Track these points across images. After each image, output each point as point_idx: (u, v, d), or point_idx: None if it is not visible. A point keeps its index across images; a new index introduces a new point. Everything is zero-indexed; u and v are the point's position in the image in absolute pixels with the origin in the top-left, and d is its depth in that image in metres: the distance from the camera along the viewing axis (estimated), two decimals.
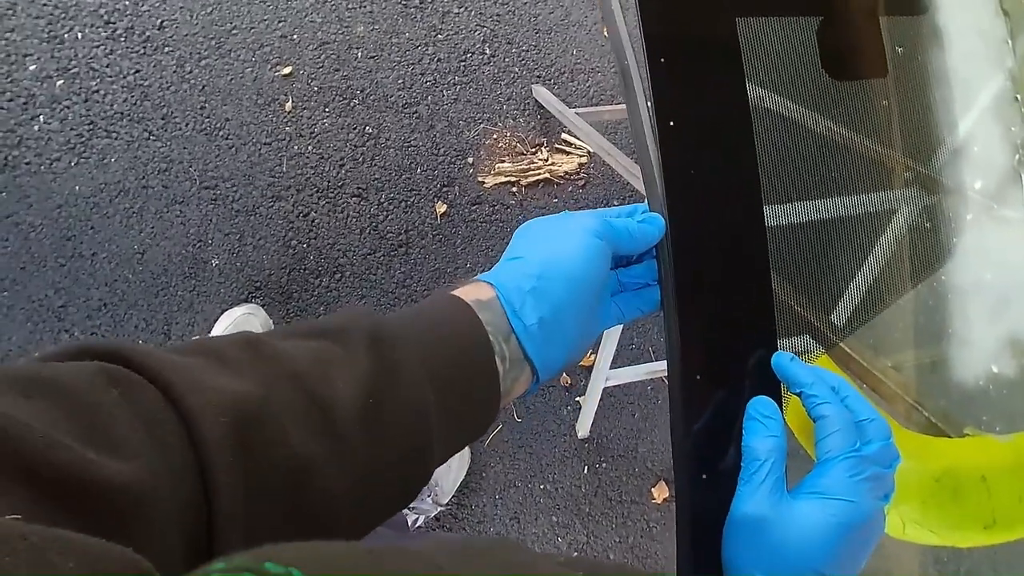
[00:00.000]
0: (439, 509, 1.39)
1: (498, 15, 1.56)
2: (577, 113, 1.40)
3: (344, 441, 0.36)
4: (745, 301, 0.52)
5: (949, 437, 0.65)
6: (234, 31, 1.43)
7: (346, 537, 0.36)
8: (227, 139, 1.41)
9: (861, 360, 0.70)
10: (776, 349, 0.52)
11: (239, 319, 1.36)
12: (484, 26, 1.55)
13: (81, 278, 1.34)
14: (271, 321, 1.39)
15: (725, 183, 0.53)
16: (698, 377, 0.50)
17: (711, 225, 0.52)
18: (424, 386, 0.40)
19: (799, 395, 0.49)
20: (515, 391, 0.47)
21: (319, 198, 1.44)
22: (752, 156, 0.54)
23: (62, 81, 1.35)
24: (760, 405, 0.49)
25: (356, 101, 1.47)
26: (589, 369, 1.54)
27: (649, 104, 0.52)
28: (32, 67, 1.34)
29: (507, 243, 0.51)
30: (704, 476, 0.48)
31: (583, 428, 1.52)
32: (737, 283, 0.52)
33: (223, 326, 1.37)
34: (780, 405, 0.50)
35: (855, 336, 0.64)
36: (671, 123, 0.51)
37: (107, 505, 0.26)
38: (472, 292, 0.46)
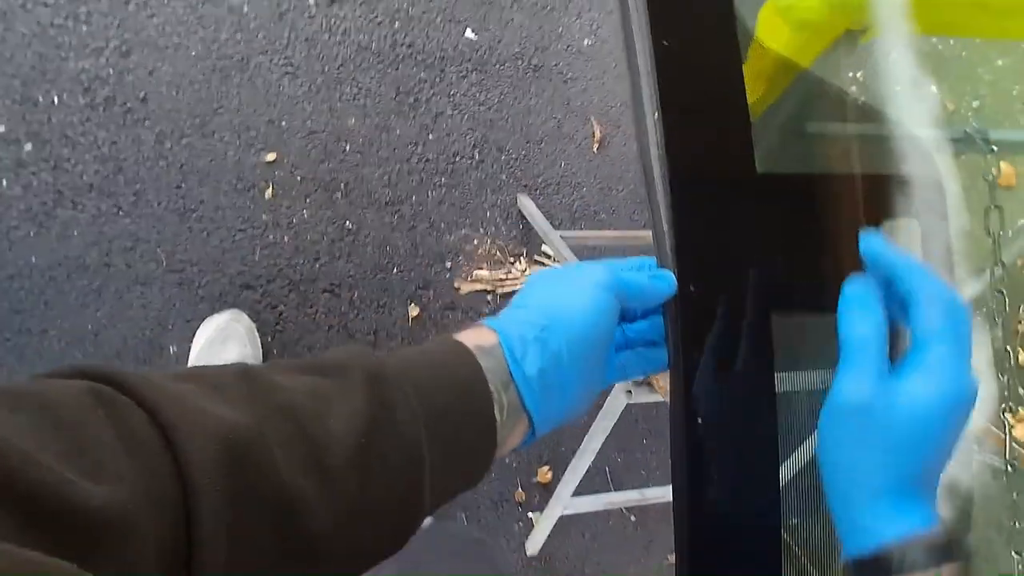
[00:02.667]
0: None
1: (491, 120, 1.56)
2: (561, 236, 1.39)
3: (334, 480, 0.36)
4: (748, 364, 0.53)
5: None
6: (220, 111, 1.39)
7: None
8: (200, 221, 1.36)
9: None
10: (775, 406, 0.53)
11: (223, 325, 1.30)
12: (475, 130, 1.54)
13: (27, 355, 1.26)
14: (255, 328, 1.33)
15: (735, 246, 0.54)
16: (699, 420, 0.50)
17: (721, 284, 0.53)
18: (419, 430, 0.39)
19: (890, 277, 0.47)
20: (510, 442, 0.46)
21: (290, 291, 1.40)
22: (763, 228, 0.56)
23: (30, 146, 1.29)
24: (857, 290, 0.47)
25: (339, 195, 1.44)
26: (545, 486, 1.53)
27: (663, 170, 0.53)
28: (0, 128, 1.27)
29: None
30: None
31: (533, 546, 1.49)
32: (740, 344, 0.53)
33: (206, 332, 1.31)
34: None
35: None
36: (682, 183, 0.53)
37: (81, 527, 0.26)
38: (474, 337, 0.45)
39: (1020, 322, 1.56)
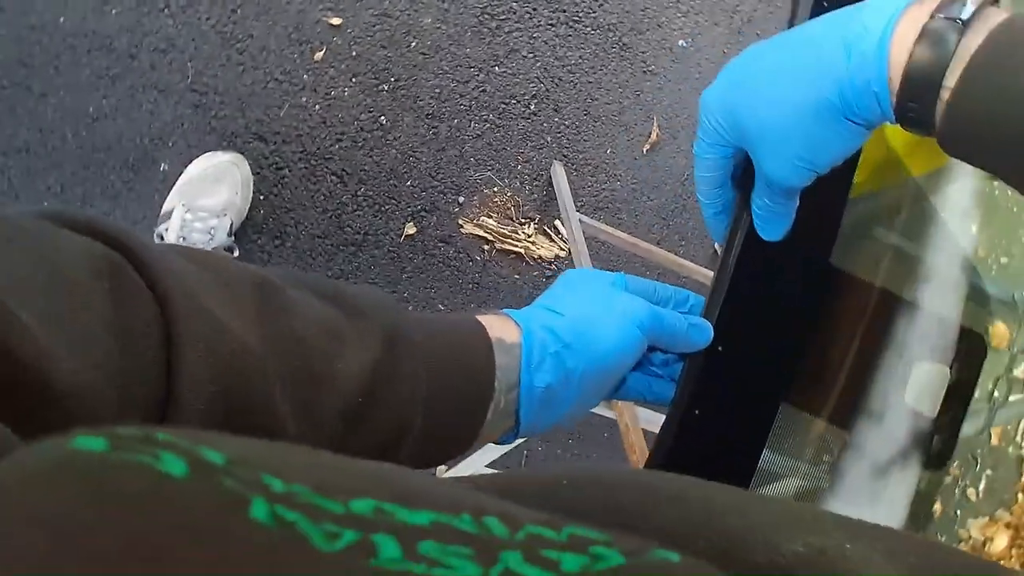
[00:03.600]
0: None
1: (560, 79, 1.50)
2: (580, 219, 1.36)
3: (322, 427, 0.35)
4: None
5: None
6: None
7: None
8: (241, 54, 1.30)
9: None
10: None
11: (222, 164, 1.24)
12: (542, 82, 1.49)
13: (18, 111, 1.20)
14: (252, 181, 1.28)
15: (776, 325, 0.54)
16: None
17: (749, 356, 0.53)
18: (415, 408, 0.39)
19: None
20: (488, 438, 0.46)
21: (300, 159, 1.34)
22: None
23: None
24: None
25: (385, 87, 1.38)
26: None
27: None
28: None
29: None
30: None
31: None
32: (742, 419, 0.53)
33: (203, 164, 1.25)
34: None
35: None
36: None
37: (45, 403, 0.24)
38: (499, 328, 0.44)
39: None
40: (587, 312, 0.47)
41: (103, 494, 0.13)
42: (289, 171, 1.34)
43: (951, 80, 0.36)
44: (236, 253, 1.27)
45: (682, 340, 0.49)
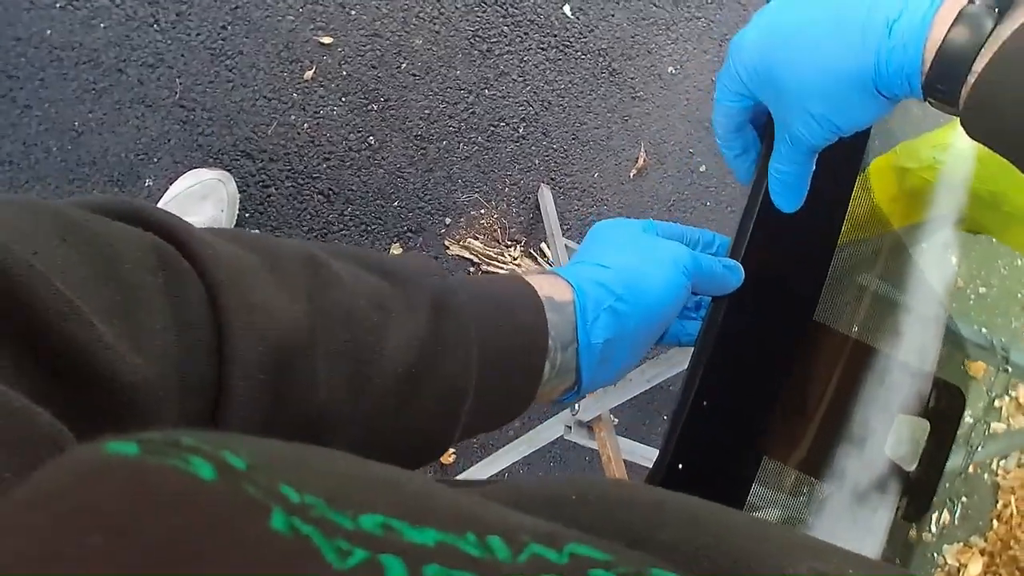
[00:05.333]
0: None
1: (549, 102, 1.51)
2: (566, 243, 1.36)
3: (372, 399, 0.35)
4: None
5: None
6: None
7: None
8: (231, 71, 1.29)
9: None
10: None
11: (209, 181, 1.24)
12: (531, 105, 1.50)
13: (1, 124, 1.18)
14: (239, 199, 1.28)
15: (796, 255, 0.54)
16: (704, 403, 0.51)
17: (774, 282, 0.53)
18: (470, 372, 0.39)
19: None
20: (549, 396, 0.46)
21: (287, 178, 1.34)
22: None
23: None
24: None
25: (375, 107, 1.38)
26: (444, 467, 1.51)
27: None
28: None
29: None
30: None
31: None
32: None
33: (189, 181, 1.24)
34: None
35: None
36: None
37: (108, 398, 0.24)
38: (548, 287, 0.44)
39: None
40: (632, 262, 0.47)
41: (145, 493, 0.14)
42: (276, 189, 1.34)
43: (979, 64, 0.37)
44: None
45: (719, 282, 0.49)
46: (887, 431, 0.60)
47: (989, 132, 0.38)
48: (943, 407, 0.64)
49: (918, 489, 0.63)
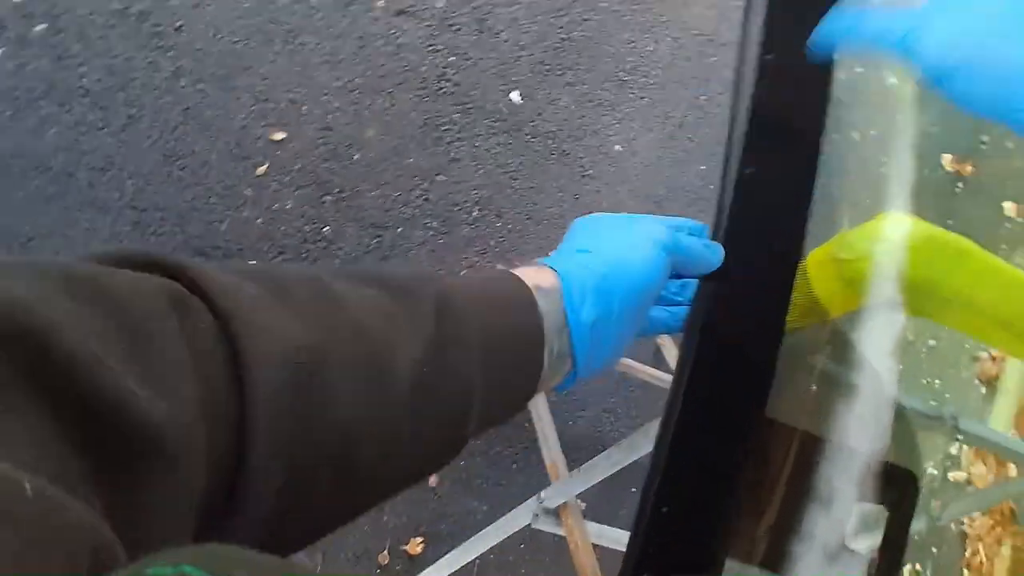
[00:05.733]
0: None
1: (501, 185, 1.54)
2: None
3: (390, 408, 0.35)
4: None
5: None
6: (248, 71, 1.33)
7: (367, 502, 0.37)
8: (182, 170, 1.30)
9: None
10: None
11: None
12: (484, 188, 1.53)
13: None
14: None
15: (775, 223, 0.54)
16: (663, 509, 0.50)
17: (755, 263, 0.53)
18: (475, 368, 0.40)
19: None
20: (550, 384, 0.46)
21: None
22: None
23: (43, 27, 1.21)
24: None
25: (329, 198, 1.39)
26: (411, 558, 1.48)
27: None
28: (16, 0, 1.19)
29: None
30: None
31: None
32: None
33: None
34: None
35: None
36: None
37: (135, 443, 0.24)
38: (534, 276, 0.45)
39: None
40: (612, 243, 0.48)
41: None
42: None
43: None
44: None
45: (699, 259, 0.50)
46: (846, 522, 0.61)
47: None
48: (898, 492, 0.66)
49: (882, 572, 0.64)
